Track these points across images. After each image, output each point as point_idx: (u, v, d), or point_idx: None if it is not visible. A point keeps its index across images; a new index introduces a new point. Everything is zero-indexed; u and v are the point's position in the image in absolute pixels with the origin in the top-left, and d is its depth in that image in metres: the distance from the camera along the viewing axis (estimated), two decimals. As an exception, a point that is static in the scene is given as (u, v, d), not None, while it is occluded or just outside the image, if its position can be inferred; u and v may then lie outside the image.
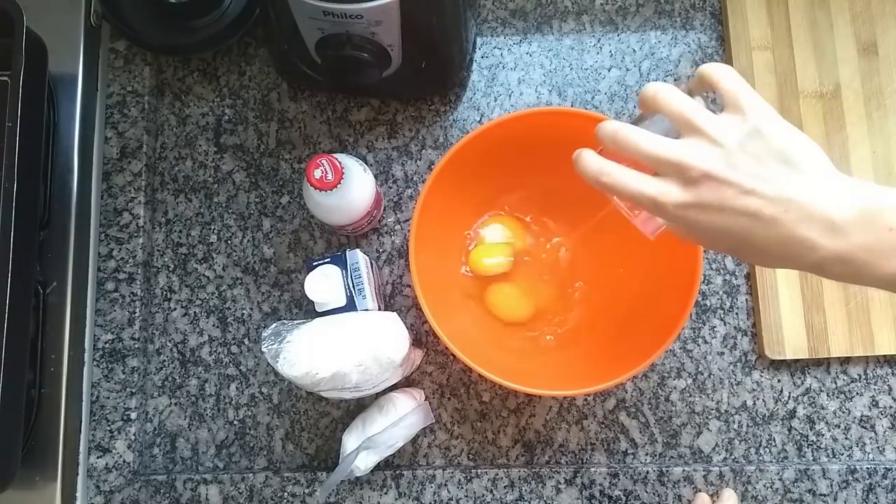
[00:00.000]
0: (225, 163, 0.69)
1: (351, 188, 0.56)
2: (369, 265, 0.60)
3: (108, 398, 0.64)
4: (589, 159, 0.42)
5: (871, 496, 0.61)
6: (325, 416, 0.65)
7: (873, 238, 0.37)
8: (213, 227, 0.68)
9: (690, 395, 0.65)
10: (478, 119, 0.69)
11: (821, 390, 0.65)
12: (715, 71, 0.41)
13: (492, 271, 0.64)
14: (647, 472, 0.62)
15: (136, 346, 0.65)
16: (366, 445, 0.57)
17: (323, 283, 0.55)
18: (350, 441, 0.59)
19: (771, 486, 0.62)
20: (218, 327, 0.66)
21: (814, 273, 0.40)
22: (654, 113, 0.42)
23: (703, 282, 0.66)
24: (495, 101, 0.70)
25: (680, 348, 0.65)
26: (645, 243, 0.63)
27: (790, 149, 0.38)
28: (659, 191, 0.39)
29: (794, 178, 0.38)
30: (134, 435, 0.64)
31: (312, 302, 0.56)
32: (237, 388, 0.65)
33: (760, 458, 0.64)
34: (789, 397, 0.65)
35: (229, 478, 0.63)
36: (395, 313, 0.56)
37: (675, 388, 0.65)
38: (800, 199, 0.37)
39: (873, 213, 0.37)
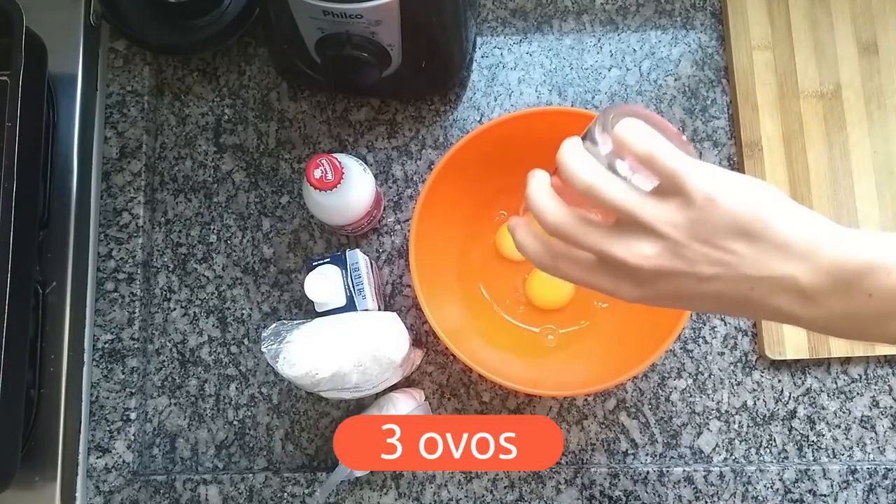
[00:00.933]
0: (225, 163, 0.69)
1: (351, 188, 0.56)
2: (369, 265, 0.60)
3: (108, 398, 0.64)
4: (530, 243, 0.39)
5: (871, 496, 0.61)
6: (325, 417, 0.65)
7: (853, 306, 0.33)
8: (212, 227, 0.68)
9: (691, 396, 0.65)
10: (478, 119, 0.69)
11: (821, 390, 0.64)
12: (632, 140, 0.35)
13: (514, 256, 0.65)
14: (648, 472, 0.62)
15: (136, 346, 0.65)
16: None
17: (323, 284, 0.55)
18: None
19: (771, 487, 0.62)
20: (218, 327, 0.66)
21: (791, 324, 0.36)
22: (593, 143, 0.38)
23: (704, 282, 0.66)
24: (495, 100, 0.70)
25: (680, 348, 0.65)
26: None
27: (742, 217, 0.34)
28: (613, 287, 0.37)
29: (751, 252, 0.34)
30: (133, 435, 0.63)
31: (312, 302, 0.56)
32: (237, 388, 0.65)
33: (761, 458, 0.64)
34: (790, 397, 0.64)
35: (229, 478, 0.63)
36: (394, 313, 0.56)
37: (675, 388, 0.65)
38: (763, 273, 0.34)
39: (848, 278, 0.33)
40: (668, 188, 0.35)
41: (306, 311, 0.66)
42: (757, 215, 0.34)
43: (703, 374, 0.65)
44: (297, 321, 0.54)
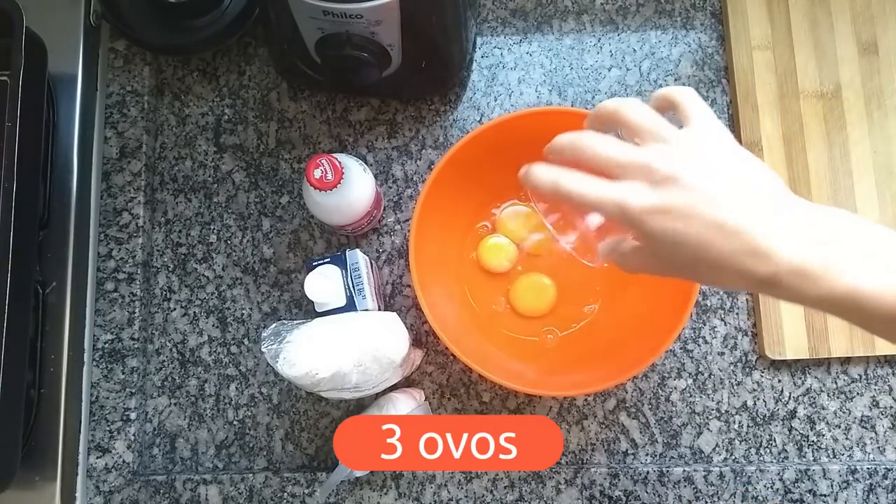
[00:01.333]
0: (225, 163, 0.69)
1: (351, 188, 0.56)
2: (369, 265, 0.60)
3: (108, 398, 0.64)
4: (540, 170, 0.40)
5: (871, 496, 0.61)
6: (324, 417, 0.65)
7: (836, 250, 0.36)
8: (212, 227, 0.68)
9: (691, 396, 0.65)
10: (478, 119, 0.69)
11: (821, 390, 0.64)
12: (678, 92, 0.40)
13: (494, 269, 0.65)
14: (648, 472, 0.62)
15: (136, 346, 0.65)
16: None
17: (323, 283, 0.55)
18: None
19: (771, 487, 0.62)
20: (217, 327, 0.66)
21: (761, 291, 0.38)
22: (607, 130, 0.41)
23: (704, 282, 0.66)
24: (495, 100, 0.70)
25: (680, 348, 0.65)
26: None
27: (749, 173, 0.38)
28: (625, 193, 0.37)
29: (755, 198, 0.37)
30: (133, 435, 0.63)
31: (312, 302, 0.56)
32: (237, 388, 0.65)
33: (761, 458, 0.64)
34: (790, 397, 0.64)
35: (229, 478, 0.63)
36: (394, 313, 0.56)
37: (675, 388, 0.65)
38: (763, 211, 0.36)
39: (812, 273, 0.35)
40: (695, 122, 0.39)
41: (306, 311, 0.66)
42: (758, 180, 0.38)
43: (703, 374, 0.65)
44: (298, 321, 0.54)
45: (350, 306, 0.56)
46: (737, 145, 0.39)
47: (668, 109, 0.41)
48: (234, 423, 0.65)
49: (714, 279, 0.39)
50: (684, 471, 0.62)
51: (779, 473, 0.62)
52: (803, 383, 0.65)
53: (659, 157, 0.37)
